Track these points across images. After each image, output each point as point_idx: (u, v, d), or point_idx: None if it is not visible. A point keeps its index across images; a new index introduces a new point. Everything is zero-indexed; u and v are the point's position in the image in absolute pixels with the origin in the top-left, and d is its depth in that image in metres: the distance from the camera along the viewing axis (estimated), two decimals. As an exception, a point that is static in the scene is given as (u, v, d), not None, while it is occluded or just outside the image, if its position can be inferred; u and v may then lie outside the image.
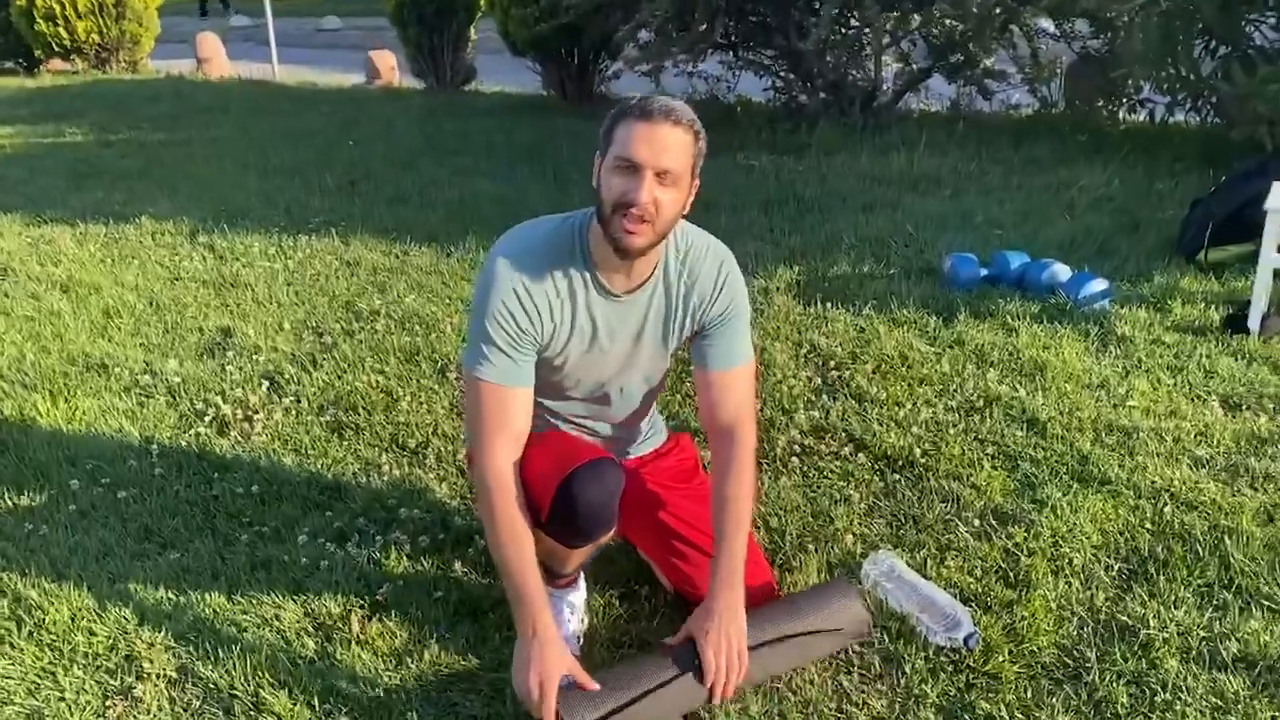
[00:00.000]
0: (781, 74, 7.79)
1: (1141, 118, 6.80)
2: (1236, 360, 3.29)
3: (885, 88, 7.52)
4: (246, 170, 6.99)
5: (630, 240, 1.81)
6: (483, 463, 1.92)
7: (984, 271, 4.07)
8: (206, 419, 3.21)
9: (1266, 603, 2.16)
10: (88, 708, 2.02)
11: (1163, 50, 5.50)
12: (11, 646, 2.18)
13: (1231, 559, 2.28)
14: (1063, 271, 3.92)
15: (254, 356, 3.66)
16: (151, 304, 4.29)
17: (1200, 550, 2.33)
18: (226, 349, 3.76)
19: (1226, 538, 2.36)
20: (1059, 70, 7.19)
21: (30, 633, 2.23)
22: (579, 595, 2.19)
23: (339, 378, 3.45)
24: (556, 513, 1.90)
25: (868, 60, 7.33)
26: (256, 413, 3.23)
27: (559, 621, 2.11)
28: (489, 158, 7.02)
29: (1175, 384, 3.16)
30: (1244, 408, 3.00)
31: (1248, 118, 5.09)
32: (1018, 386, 3.17)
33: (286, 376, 3.48)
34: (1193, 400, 3.06)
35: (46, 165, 7.40)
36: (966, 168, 5.96)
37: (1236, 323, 3.47)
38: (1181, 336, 3.48)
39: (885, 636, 2.13)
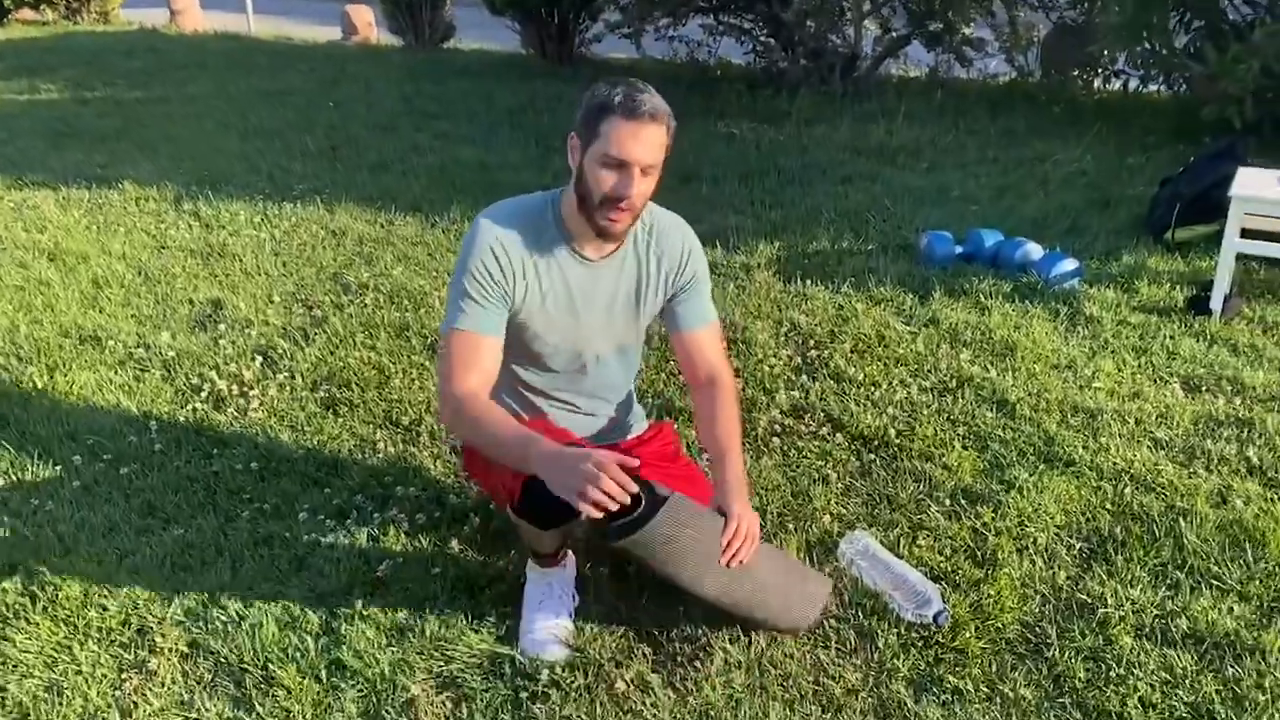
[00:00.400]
0: (762, 39, 7.82)
1: (1115, 87, 6.90)
2: (1198, 342, 3.43)
3: (865, 54, 7.58)
4: (227, 132, 6.98)
5: (616, 228, 2.01)
6: (451, 390, 2.03)
7: (959, 249, 4.18)
8: (202, 394, 3.28)
9: (1215, 582, 2.31)
10: (104, 680, 2.13)
11: (1137, 22, 5.59)
12: (27, 621, 2.28)
13: (1185, 540, 2.43)
14: (1035, 250, 4.04)
15: (246, 330, 3.73)
16: (140, 274, 4.34)
17: (1156, 531, 2.47)
18: (218, 321, 3.82)
19: (1181, 519, 2.50)
20: (1036, 39, 7.27)
21: (45, 608, 2.32)
22: (567, 574, 2.31)
23: (331, 353, 3.53)
24: (526, 498, 2.01)
25: (848, 26, 7.37)
26: (251, 388, 3.31)
27: (549, 600, 2.23)
28: (469, 122, 7.04)
29: (1139, 365, 3.29)
30: (1203, 389, 3.14)
31: (1217, 96, 5.20)
32: (989, 367, 3.30)
33: (279, 351, 3.55)
34: (1155, 381, 3.20)
35: (23, 125, 7.34)
36: (944, 140, 6.06)
37: (1199, 304, 3.61)
38: (1147, 317, 3.62)
39: (860, 613, 2.26)
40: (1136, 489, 2.65)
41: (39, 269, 4.38)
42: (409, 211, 5.07)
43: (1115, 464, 2.75)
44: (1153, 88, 6.43)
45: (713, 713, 2.00)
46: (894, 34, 7.40)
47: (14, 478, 2.86)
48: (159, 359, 3.52)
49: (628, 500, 1.80)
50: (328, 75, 9.10)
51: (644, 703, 2.02)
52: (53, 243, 4.69)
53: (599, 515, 1.80)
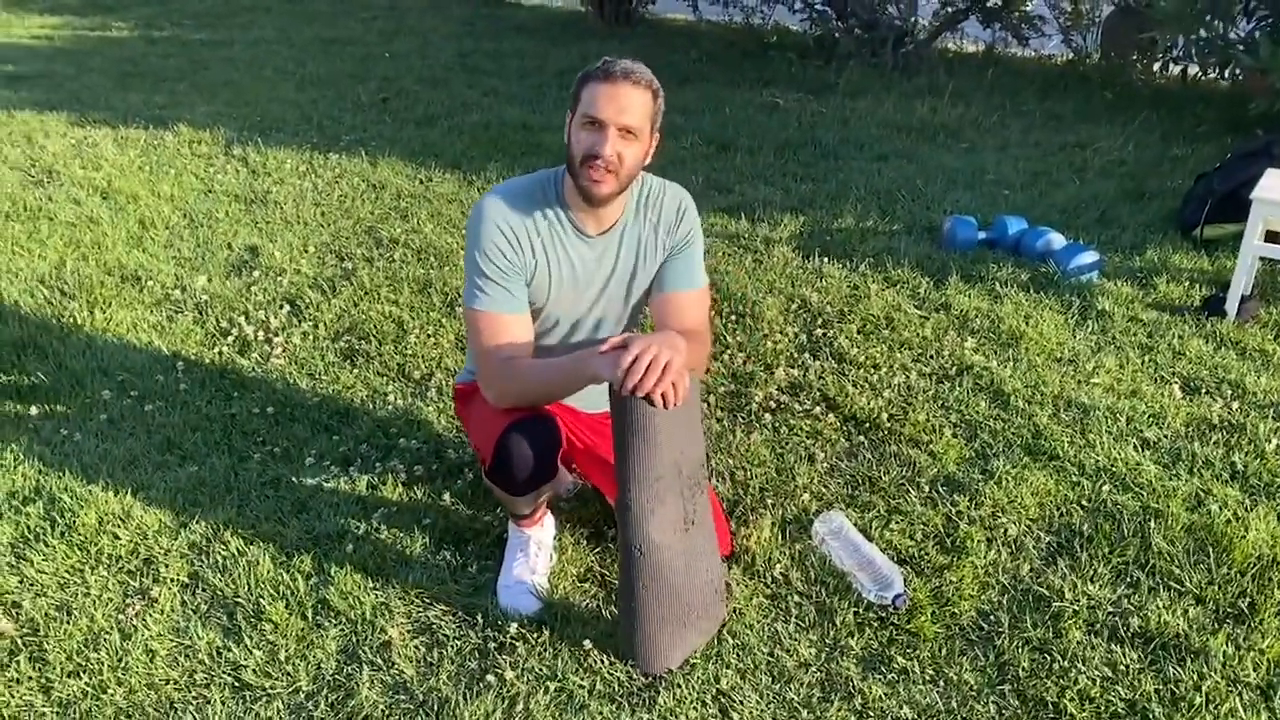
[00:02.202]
0: (818, 7, 7.76)
1: (1174, 72, 6.75)
2: (1207, 344, 3.42)
3: (921, 25, 7.49)
4: (284, 79, 7.14)
5: (597, 189, 2.04)
6: (489, 365, 2.12)
7: (982, 234, 4.19)
8: (230, 338, 3.45)
9: (1175, 584, 2.35)
10: (109, 604, 2.29)
11: (1197, 9, 5.47)
12: (45, 545, 2.46)
13: (1152, 541, 2.47)
14: (1057, 240, 4.03)
15: (278, 278, 3.88)
16: (185, 216, 4.51)
17: (1125, 530, 2.52)
18: (253, 268, 3.98)
19: (1152, 520, 2.54)
20: (1096, 20, 7.13)
21: (62, 533, 2.50)
22: (546, 533, 2.42)
23: (355, 305, 3.67)
24: (495, 463, 2.12)
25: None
26: (276, 335, 3.46)
27: (526, 556, 2.35)
28: (519, 81, 7.11)
29: (1142, 363, 3.30)
30: (1203, 392, 3.15)
31: (1265, 90, 5.08)
32: (991, 356, 3.33)
33: (307, 301, 3.70)
34: (1155, 381, 3.21)
35: (93, 62, 7.58)
36: (988, 120, 6.00)
37: (1214, 305, 3.59)
38: (1159, 315, 3.61)
39: (824, 590, 2.35)
40: (1115, 487, 2.69)
41: (91, 206, 4.57)
42: (448, 169, 5.18)
43: (1098, 461, 2.79)
44: (1212, 75, 6.28)
45: (666, 676, 2.11)
46: (951, 8, 7.30)
47: (48, 408, 3.05)
48: (193, 301, 3.69)
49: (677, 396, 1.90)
50: (388, 26, 9.22)
51: (602, 660, 2.14)
52: (106, 181, 4.88)
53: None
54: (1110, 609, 2.29)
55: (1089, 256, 3.90)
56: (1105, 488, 2.68)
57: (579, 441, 2.42)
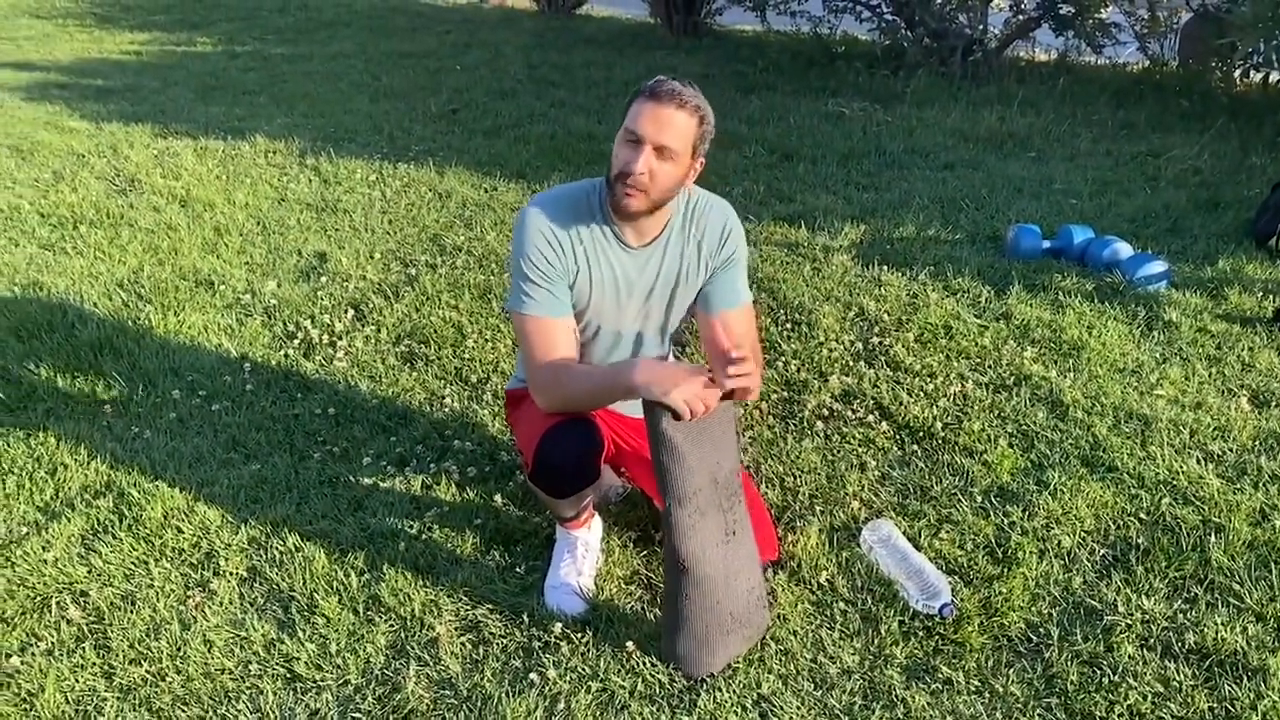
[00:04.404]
0: (887, 16, 7.71)
1: (1254, 79, 6.56)
2: (1279, 356, 3.33)
3: (991, 34, 7.40)
4: (359, 91, 7.31)
5: (625, 204, 2.07)
6: (538, 371, 2.14)
7: (1046, 244, 4.12)
8: (296, 341, 3.54)
9: (1234, 601, 2.29)
10: (171, 595, 2.38)
11: (1278, 14, 5.32)
12: (114, 537, 2.55)
13: (1212, 555, 2.41)
14: (1124, 250, 3.95)
15: (344, 284, 3.98)
16: (259, 224, 4.65)
17: (1184, 544, 2.46)
18: (321, 274, 4.08)
19: (1213, 534, 2.48)
20: (1174, 27, 6.97)
21: (129, 526, 2.60)
22: (593, 535, 2.45)
23: (417, 310, 3.74)
24: (536, 466, 2.15)
25: (974, 7, 7.21)
26: (340, 339, 3.55)
27: (573, 558, 2.38)
28: (586, 92, 7.19)
29: (1209, 375, 3.22)
30: (1272, 404, 3.06)
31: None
32: (1051, 367, 3.28)
33: (371, 306, 3.79)
34: (1222, 393, 3.13)
35: (177, 76, 7.85)
36: (1058, 129, 5.90)
37: (1287, 316, 3.49)
38: (1229, 326, 3.52)
39: (870, 599, 2.33)
40: (1175, 500, 2.62)
41: (170, 214, 4.74)
42: (514, 178, 5.26)
43: (1158, 473, 2.73)
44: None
45: (708, 679, 2.12)
46: (1019, 19, 7.19)
47: (121, 406, 3.17)
48: (261, 305, 3.80)
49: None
50: (461, 39, 9.38)
51: (644, 662, 2.15)
52: (185, 190, 5.05)
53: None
54: (1165, 624, 2.24)
55: (1157, 266, 3.81)
56: (1165, 500, 2.62)
57: (625, 445, 2.44)
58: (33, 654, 2.20)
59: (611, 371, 2.07)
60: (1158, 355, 3.35)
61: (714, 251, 2.25)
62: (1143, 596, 2.31)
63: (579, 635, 2.23)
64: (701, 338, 2.34)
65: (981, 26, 7.27)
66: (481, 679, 2.13)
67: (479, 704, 2.08)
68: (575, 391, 2.13)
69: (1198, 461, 2.78)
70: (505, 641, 2.24)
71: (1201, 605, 2.28)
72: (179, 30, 10.04)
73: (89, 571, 2.45)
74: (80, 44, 9.47)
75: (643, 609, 2.32)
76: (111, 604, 2.34)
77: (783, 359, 3.36)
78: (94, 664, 2.18)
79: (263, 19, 10.63)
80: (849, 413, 3.07)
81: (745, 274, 2.33)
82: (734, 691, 2.09)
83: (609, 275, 2.20)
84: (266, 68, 8.24)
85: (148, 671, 2.16)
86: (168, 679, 2.14)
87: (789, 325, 3.58)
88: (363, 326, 3.65)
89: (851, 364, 3.33)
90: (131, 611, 2.32)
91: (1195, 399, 3.09)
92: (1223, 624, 2.22)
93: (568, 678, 2.13)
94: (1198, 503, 2.61)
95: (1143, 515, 2.58)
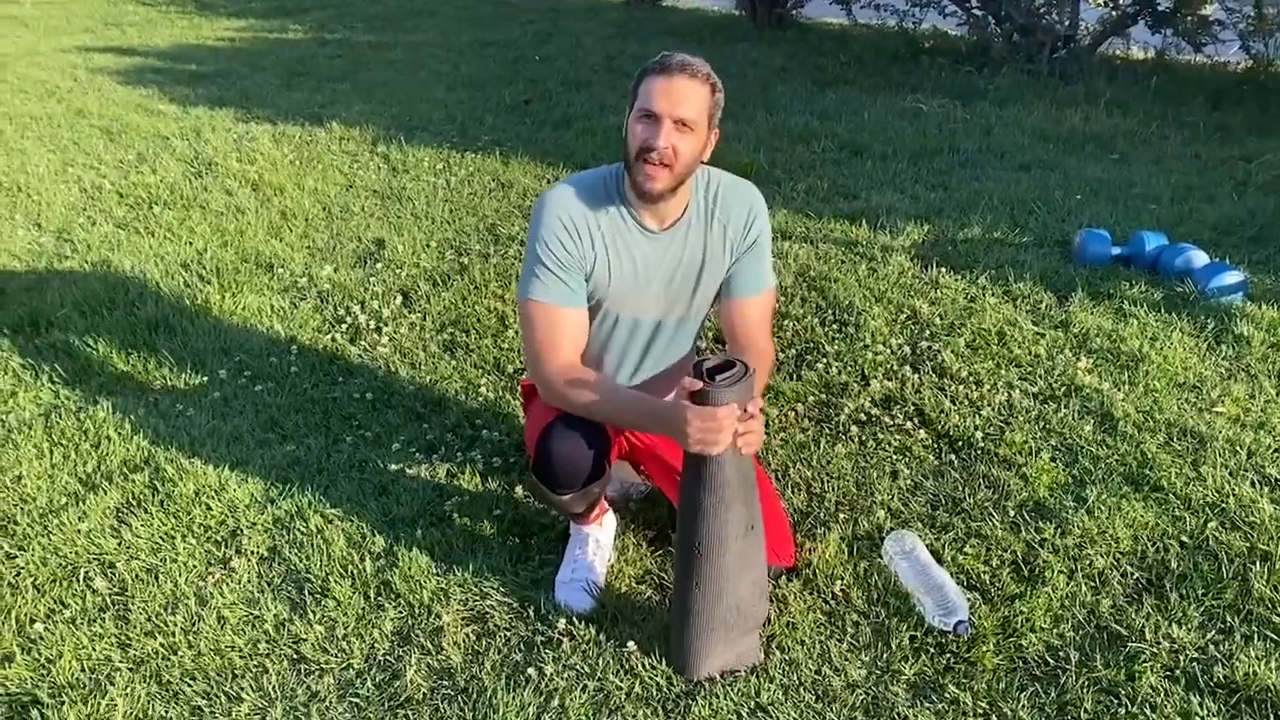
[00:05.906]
0: (975, 11, 7.50)
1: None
2: (1357, 376, 3.13)
3: (1083, 29, 7.13)
4: (437, 80, 7.40)
5: (651, 184, 2.03)
6: (545, 372, 2.13)
7: (1116, 250, 3.95)
8: (344, 325, 3.59)
9: (1272, 635, 2.16)
10: (193, 571, 2.43)
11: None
12: (145, 511, 2.62)
13: (1254, 585, 2.27)
14: (1198, 258, 3.76)
15: (398, 270, 4.02)
16: (324, 209, 4.73)
17: (1225, 571, 2.33)
18: (377, 260, 4.14)
19: (1258, 562, 2.34)
20: (1281, 25, 6.62)
21: (161, 501, 2.66)
22: (606, 532, 2.42)
23: (463, 299, 3.77)
24: (537, 460, 2.13)
25: (1063, 3, 6.95)
26: (386, 324, 3.59)
27: (585, 554, 2.36)
28: (661, 83, 7.14)
29: (1277, 394, 3.05)
30: (1343, 428, 2.88)
31: None
32: (1106, 378, 3.14)
33: (420, 293, 3.82)
34: (1288, 414, 2.96)
35: (265, 62, 8.05)
36: (1145, 131, 5.66)
37: (1370, 334, 3.28)
38: (1305, 343, 3.32)
39: (884, 611, 2.26)
40: (1221, 524, 2.48)
41: (241, 197, 4.86)
42: (576, 169, 5.25)
43: (1206, 495, 2.59)
44: None
45: (706, 684, 2.08)
46: (1118, 12, 6.91)
47: (169, 383, 3.25)
48: (316, 290, 3.86)
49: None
50: (543, 29, 9.43)
51: (644, 664, 2.12)
52: (258, 174, 5.18)
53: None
54: (1194, 654, 2.12)
55: (1232, 276, 3.62)
56: (1211, 524, 2.48)
57: (639, 441, 2.41)
58: (56, 621, 2.27)
59: (637, 404, 2.05)
60: (1223, 370, 3.18)
61: (740, 235, 2.21)
62: (1173, 624, 2.19)
63: (581, 632, 2.21)
64: (721, 324, 2.31)
65: (1070, 22, 7.01)
66: (480, 671, 2.13)
67: (474, 696, 2.07)
68: (598, 408, 2.09)
69: (1252, 484, 2.63)
70: (509, 634, 2.23)
71: (1236, 637, 2.16)
72: (274, 17, 10.30)
73: (118, 544, 2.51)
74: (180, 30, 9.79)
75: (651, 609, 2.29)
76: (136, 576, 2.40)
77: (824, 360, 3.28)
78: (112, 634, 2.23)
79: (355, 6, 10.84)
80: (887, 418, 2.98)
81: (769, 257, 2.29)
82: (731, 699, 2.04)
83: (628, 262, 2.18)
84: (352, 55, 8.40)
85: (161, 645, 2.21)
86: (179, 653, 2.19)
87: (835, 326, 3.50)
88: (409, 313, 3.68)
89: (896, 368, 3.24)
90: (154, 585, 2.38)
91: (1259, 419, 2.92)
92: (1258, 658, 2.09)
93: (565, 675, 2.11)
94: (1246, 528, 2.47)
95: (1185, 538, 2.45)
